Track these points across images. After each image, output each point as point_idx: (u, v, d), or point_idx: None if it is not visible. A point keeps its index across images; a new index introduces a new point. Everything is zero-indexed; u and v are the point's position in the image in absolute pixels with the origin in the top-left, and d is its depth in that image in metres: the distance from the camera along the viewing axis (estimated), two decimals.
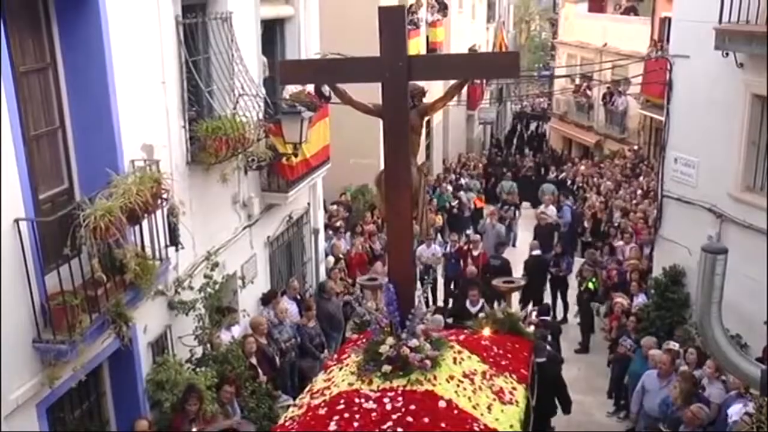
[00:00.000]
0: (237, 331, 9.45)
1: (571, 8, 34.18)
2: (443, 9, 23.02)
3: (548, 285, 15.11)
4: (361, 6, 15.94)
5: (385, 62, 5.89)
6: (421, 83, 6.41)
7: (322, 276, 12.96)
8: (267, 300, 10.49)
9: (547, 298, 14.69)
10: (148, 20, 7.61)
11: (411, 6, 19.26)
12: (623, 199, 19.01)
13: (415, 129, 6.25)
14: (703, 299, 4.48)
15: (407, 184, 6.01)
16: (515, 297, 8.67)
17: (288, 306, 10.59)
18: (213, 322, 8.72)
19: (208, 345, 8.53)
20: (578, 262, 16.08)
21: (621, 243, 15.03)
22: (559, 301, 15.05)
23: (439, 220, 18.06)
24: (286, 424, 5.82)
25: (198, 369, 8.22)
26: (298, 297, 11.26)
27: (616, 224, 16.87)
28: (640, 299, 11.92)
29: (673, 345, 9.58)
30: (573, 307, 14.64)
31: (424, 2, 20.93)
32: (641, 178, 21.61)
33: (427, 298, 14.19)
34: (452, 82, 6.49)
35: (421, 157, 14.08)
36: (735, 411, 7.84)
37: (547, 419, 9.34)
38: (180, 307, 8.22)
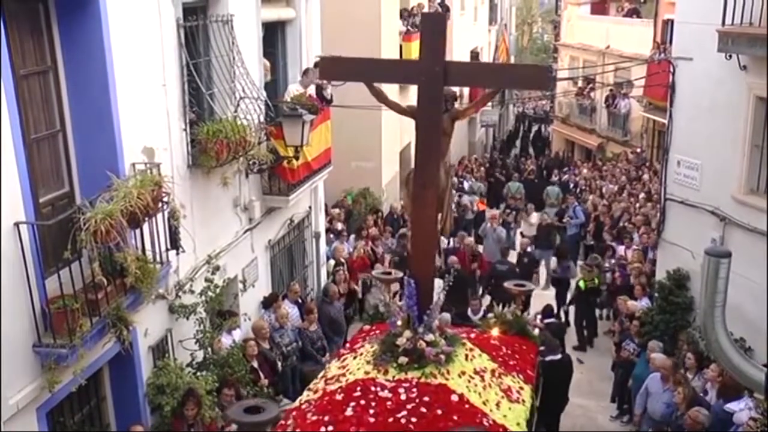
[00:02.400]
0: (238, 334, 9.42)
1: (574, 10, 34.14)
2: (445, 12, 22.98)
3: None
4: (361, 8, 15.97)
5: (422, 66, 6.12)
6: (454, 89, 6.54)
7: (324, 279, 12.94)
8: (268, 303, 10.47)
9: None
10: (148, 23, 7.60)
11: (412, 9, 19.26)
12: (626, 202, 18.95)
13: (446, 132, 6.43)
14: (706, 303, 4.46)
15: (435, 183, 6.24)
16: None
17: (289, 310, 10.56)
18: (214, 326, 8.70)
19: (209, 349, 8.50)
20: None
21: (622, 246, 14.98)
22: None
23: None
24: (302, 407, 5.99)
25: (199, 373, 8.19)
26: (299, 300, 11.24)
27: (620, 227, 16.80)
28: (644, 303, 11.86)
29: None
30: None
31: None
32: (645, 177, 21.56)
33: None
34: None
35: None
36: (739, 417, 7.79)
37: (557, 416, 9.53)
38: (181, 311, 8.20)
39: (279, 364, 9.58)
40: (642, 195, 19.27)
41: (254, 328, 9.60)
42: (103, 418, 7.63)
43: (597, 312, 14.08)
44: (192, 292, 8.38)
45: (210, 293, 8.49)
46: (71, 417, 7.04)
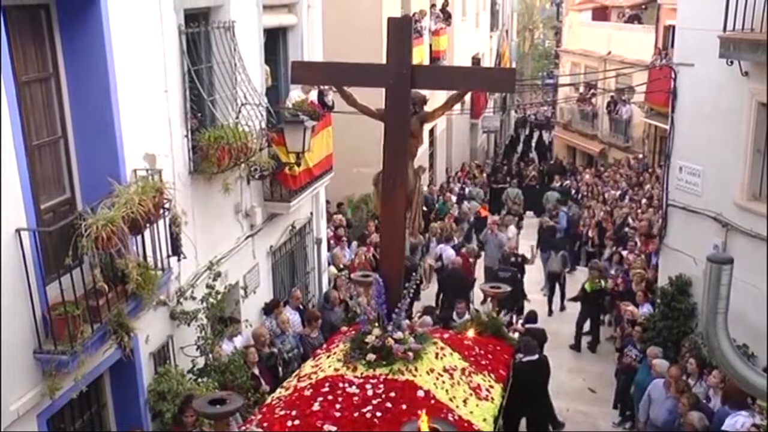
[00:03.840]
0: (239, 341, 9.40)
1: (575, 16, 34.21)
2: (447, 17, 23.03)
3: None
4: (363, 15, 16.00)
5: (390, 69, 6.28)
6: (423, 92, 6.62)
7: (325, 286, 12.92)
8: (269, 310, 10.45)
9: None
10: (150, 29, 7.61)
11: (415, 14, 19.28)
12: (628, 208, 18.93)
13: (414, 134, 6.63)
14: (708, 309, 4.43)
15: (403, 184, 6.45)
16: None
17: (290, 316, 10.55)
18: (215, 333, 8.68)
19: (210, 355, 8.49)
20: (583, 270, 16.23)
21: (624, 252, 14.98)
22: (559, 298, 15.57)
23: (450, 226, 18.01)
24: (273, 403, 6.18)
25: (199, 380, 8.17)
26: (301, 307, 11.22)
27: (622, 232, 16.80)
28: (646, 309, 11.84)
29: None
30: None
31: (428, 11, 20.94)
32: (647, 186, 21.56)
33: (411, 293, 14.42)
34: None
35: (421, 162, 14.16)
36: (741, 423, 7.76)
37: (543, 419, 9.74)
38: (182, 318, 8.19)
39: (280, 370, 9.55)
40: (644, 201, 19.25)
41: (254, 334, 9.59)
42: (104, 425, 7.61)
43: (602, 316, 14.09)
44: (193, 298, 8.37)
45: (211, 300, 8.47)
46: (72, 424, 7.02)
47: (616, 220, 18.00)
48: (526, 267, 15.43)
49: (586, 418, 11.12)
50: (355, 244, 14.70)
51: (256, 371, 8.94)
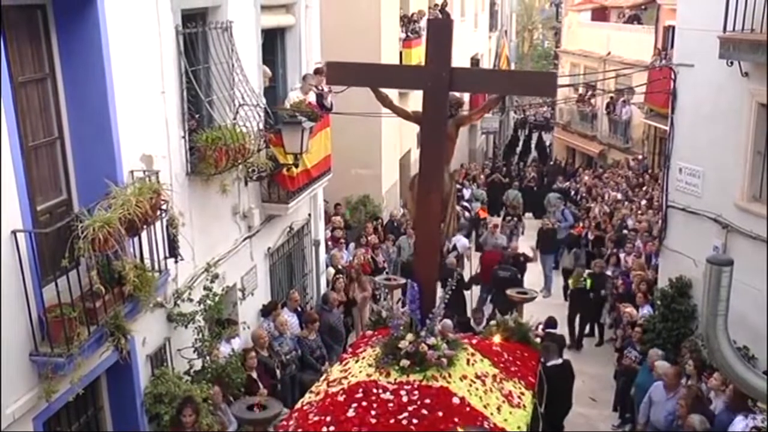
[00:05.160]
0: (237, 343, 9.37)
1: (574, 17, 34.20)
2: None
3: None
4: (361, 15, 15.97)
5: (429, 72, 6.13)
6: (458, 95, 6.60)
7: (323, 288, 12.89)
8: (267, 312, 10.42)
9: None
10: (147, 30, 7.57)
11: (412, 15, 19.26)
12: (627, 209, 18.90)
13: (450, 137, 6.47)
14: (708, 311, 4.40)
15: (439, 189, 6.30)
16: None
17: (288, 318, 10.51)
18: (213, 335, 8.65)
19: (208, 357, 8.45)
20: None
21: (623, 254, 14.95)
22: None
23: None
24: (304, 408, 6.07)
25: (195, 382, 8.13)
26: (299, 309, 11.18)
27: (622, 234, 16.77)
28: (646, 310, 11.81)
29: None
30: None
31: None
32: (644, 187, 21.53)
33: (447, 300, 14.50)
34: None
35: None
36: (741, 426, 7.72)
37: (560, 421, 9.63)
38: (179, 320, 8.16)
39: (278, 372, 9.52)
40: (643, 202, 19.23)
41: (253, 337, 9.55)
42: (100, 428, 7.57)
43: (592, 313, 14.25)
44: (191, 300, 8.34)
45: (209, 301, 8.44)
46: (69, 426, 6.99)
47: (616, 222, 17.97)
48: (528, 265, 15.51)
49: (586, 420, 11.08)
50: (352, 245, 14.67)
51: (254, 375, 8.91)
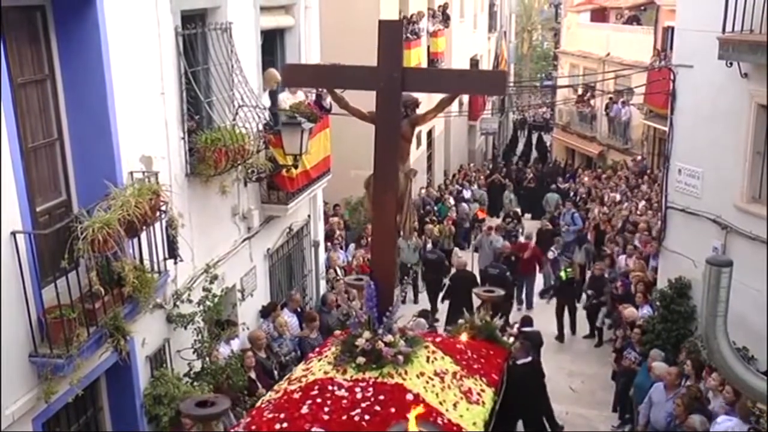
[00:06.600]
0: (236, 344, 9.36)
1: (574, 18, 34.21)
2: (445, 19, 23.02)
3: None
4: (360, 16, 15.98)
5: (381, 72, 6.25)
6: (416, 95, 6.68)
7: (323, 289, 12.88)
8: (266, 313, 10.41)
9: None
10: (147, 31, 7.58)
11: (412, 16, 19.26)
12: (627, 210, 18.89)
13: (405, 137, 6.66)
14: (708, 312, 4.41)
15: (394, 188, 6.45)
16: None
17: (288, 319, 10.50)
18: (212, 336, 8.64)
19: (208, 359, 8.45)
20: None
21: (623, 255, 14.95)
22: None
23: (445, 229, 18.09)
24: (262, 406, 6.13)
25: (195, 383, 8.13)
26: (299, 310, 11.18)
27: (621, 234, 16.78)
28: (645, 311, 11.81)
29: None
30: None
31: (426, 12, 20.92)
32: (643, 187, 21.52)
33: (405, 295, 15.28)
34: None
35: (419, 164, 14.24)
36: (725, 426, 7.73)
37: (537, 421, 9.68)
38: (179, 321, 8.15)
39: (276, 373, 9.50)
40: (642, 203, 19.22)
41: (250, 338, 9.54)
42: (100, 429, 7.57)
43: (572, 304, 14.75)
44: (190, 301, 8.33)
45: (208, 302, 8.43)
46: (68, 427, 6.99)
47: (616, 223, 17.94)
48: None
49: (586, 421, 11.08)
50: (352, 246, 14.66)
51: (253, 375, 8.90)
